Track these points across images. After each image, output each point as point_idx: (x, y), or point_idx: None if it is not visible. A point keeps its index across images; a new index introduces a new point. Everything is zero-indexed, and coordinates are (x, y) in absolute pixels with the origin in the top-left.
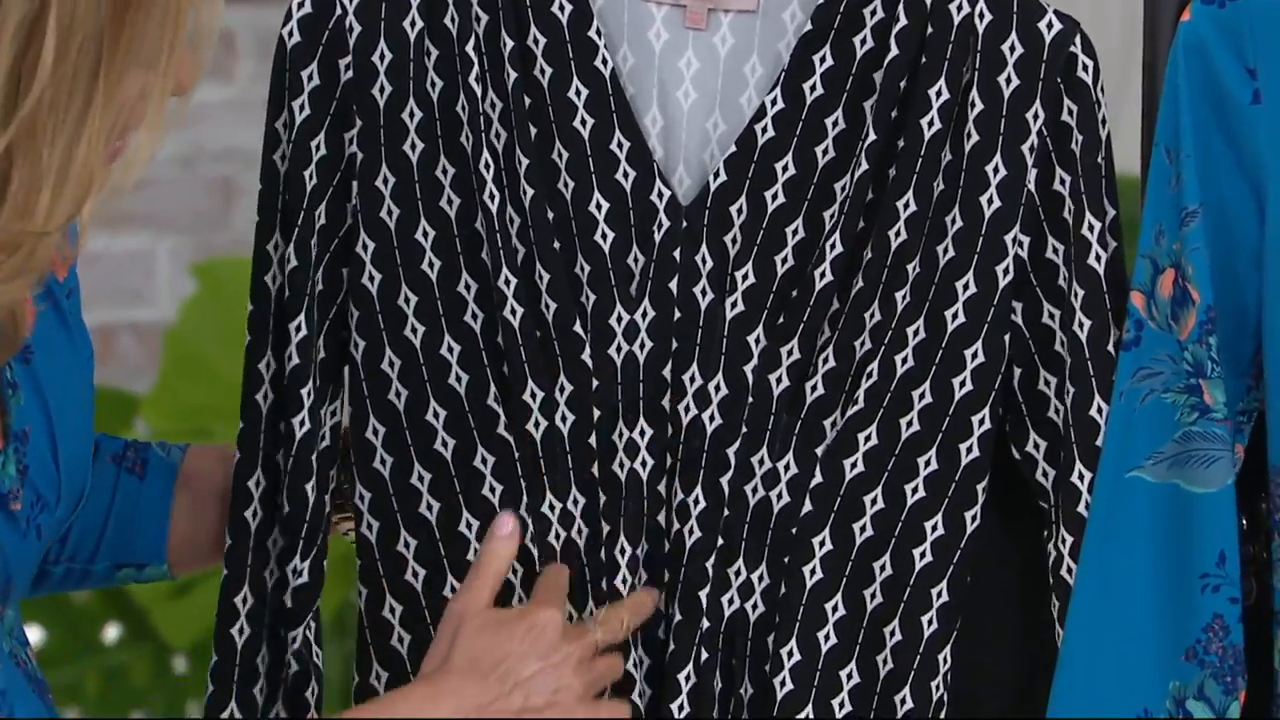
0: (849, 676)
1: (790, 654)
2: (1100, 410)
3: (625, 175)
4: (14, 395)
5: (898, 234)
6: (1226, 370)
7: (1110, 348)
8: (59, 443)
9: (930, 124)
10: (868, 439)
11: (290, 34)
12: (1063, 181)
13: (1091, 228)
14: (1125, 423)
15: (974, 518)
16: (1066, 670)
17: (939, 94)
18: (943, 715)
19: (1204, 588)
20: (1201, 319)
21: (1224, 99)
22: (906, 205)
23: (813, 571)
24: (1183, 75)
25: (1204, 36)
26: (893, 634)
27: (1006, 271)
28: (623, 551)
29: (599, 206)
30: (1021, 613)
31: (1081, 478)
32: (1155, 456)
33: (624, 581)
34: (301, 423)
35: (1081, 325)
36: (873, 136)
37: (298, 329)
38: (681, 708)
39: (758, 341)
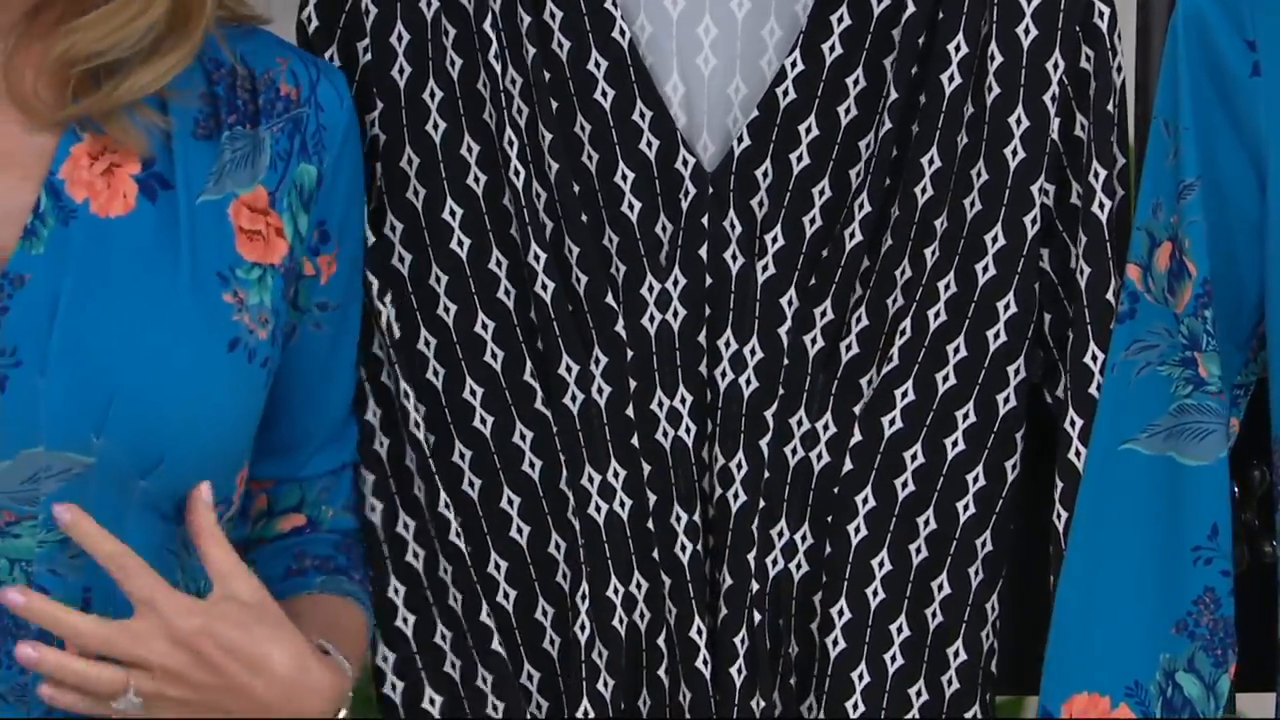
0: (899, 630)
1: (840, 613)
2: (1094, 358)
3: (649, 145)
4: (28, 240)
5: (924, 190)
6: (1224, 343)
7: (1110, 296)
8: (64, 310)
9: (951, 79)
10: (904, 395)
11: (309, 19)
12: (1083, 128)
13: (1097, 175)
14: (1117, 395)
15: (1014, 466)
16: (1059, 640)
17: (958, 48)
18: (994, 664)
19: (1195, 560)
20: (1198, 292)
21: (1223, 72)
22: (931, 161)
23: (857, 529)
24: (1182, 48)
25: (1203, 9)
26: (940, 588)
27: (1034, 221)
28: (678, 519)
29: (624, 177)
30: (1019, 570)
31: (1073, 424)
32: (1151, 429)
33: (683, 549)
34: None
35: (1082, 272)
36: (894, 94)
37: None
38: (740, 671)
39: (790, 303)
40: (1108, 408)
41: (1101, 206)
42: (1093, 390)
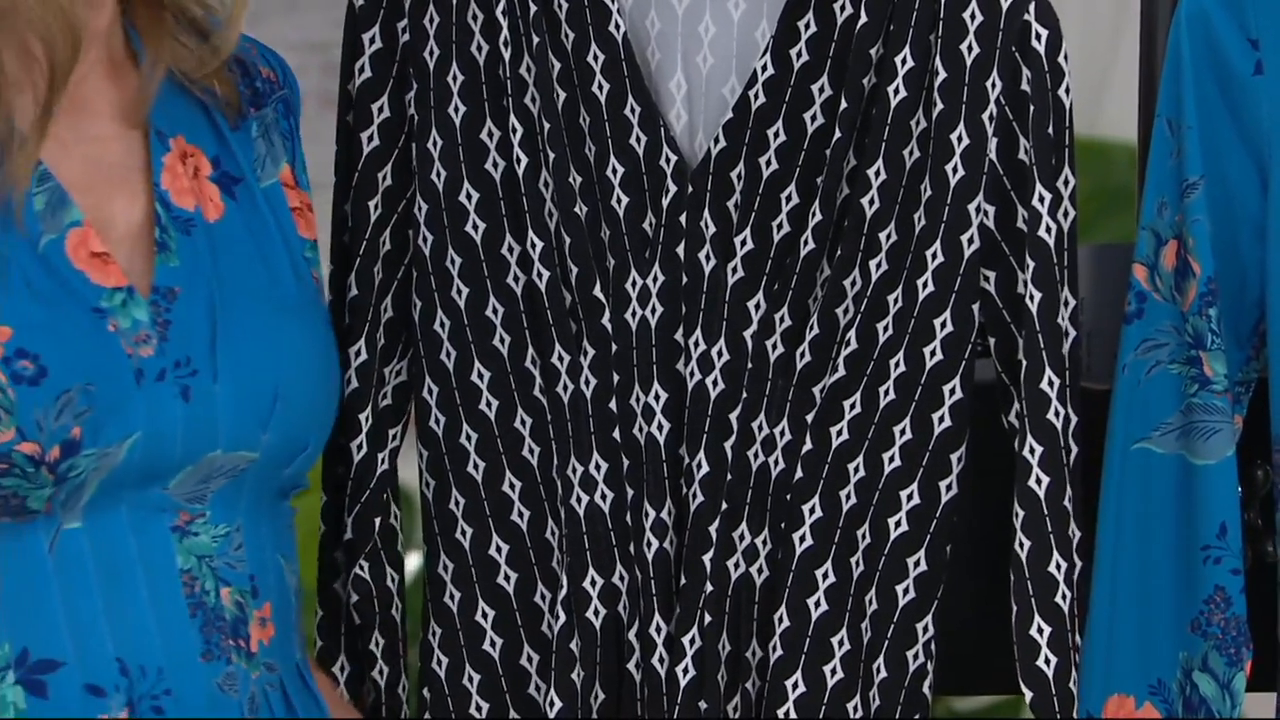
0: (840, 644)
1: (780, 619)
2: (1051, 384)
3: (638, 140)
4: (161, 254)
5: (871, 202)
6: (1227, 341)
7: (1060, 320)
8: (222, 322)
9: (896, 91)
10: (853, 407)
11: None
12: (1027, 151)
13: (1042, 199)
14: (1130, 396)
15: (949, 487)
16: (1091, 642)
17: (904, 61)
18: (925, 685)
19: (1205, 559)
20: (1202, 290)
21: (1226, 70)
22: (877, 173)
23: (802, 538)
24: (1185, 46)
25: (1206, 7)
26: (870, 602)
27: (971, 241)
28: (647, 515)
29: (614, 171)
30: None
31: (1033, 451)
32: (1164, 427)
33: (649, 545)
34: (348, 380)
35: (1032, 298)
36: (844, 104)
37: (348, 288)
38: (686, 671)
39: (758, 307)
40: (1120, 408)
41: (1048, 230)
42: (1050, 416)
